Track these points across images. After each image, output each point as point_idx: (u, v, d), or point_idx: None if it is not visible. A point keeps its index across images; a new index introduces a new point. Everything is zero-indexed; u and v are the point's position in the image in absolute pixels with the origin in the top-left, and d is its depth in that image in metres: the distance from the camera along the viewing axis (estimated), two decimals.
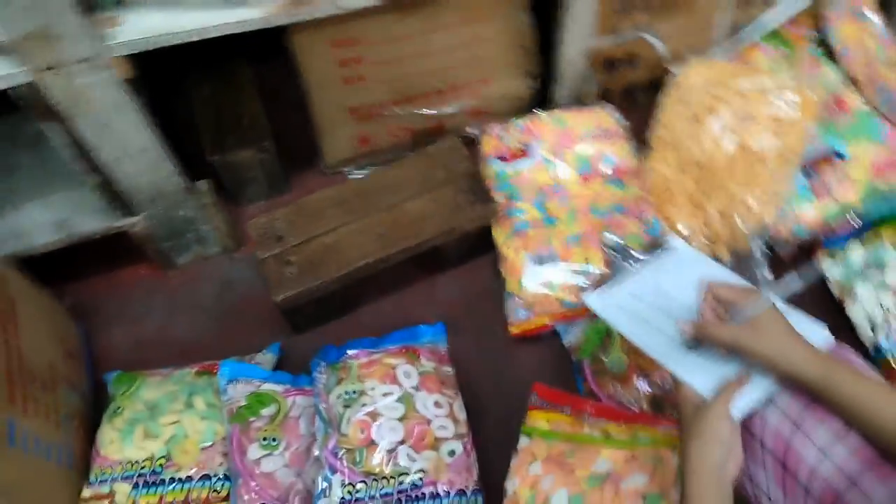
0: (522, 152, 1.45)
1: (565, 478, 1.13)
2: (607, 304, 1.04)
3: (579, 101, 1.56)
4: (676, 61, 1.56)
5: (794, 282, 0.89)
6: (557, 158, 1.45)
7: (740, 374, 0.87)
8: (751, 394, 0.86)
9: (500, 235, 1.41)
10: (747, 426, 0.89)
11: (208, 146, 1.45)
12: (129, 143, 1.17)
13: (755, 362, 0.87)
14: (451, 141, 1.42)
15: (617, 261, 1.10)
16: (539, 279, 1.35)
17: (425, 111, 1.51)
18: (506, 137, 1.48)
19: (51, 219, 1.32)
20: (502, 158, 1.46)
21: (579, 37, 1.41)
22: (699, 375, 0.90)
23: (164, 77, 1.42)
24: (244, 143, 1.46)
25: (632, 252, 1.11)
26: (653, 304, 1.02)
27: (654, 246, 1.10)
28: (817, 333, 0.94)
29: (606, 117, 1.50)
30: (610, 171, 1.45)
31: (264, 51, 1.58)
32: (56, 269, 1.38)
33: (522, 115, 1.52)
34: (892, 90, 1.46)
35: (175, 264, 1.48)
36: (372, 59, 1.37)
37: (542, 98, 1.60)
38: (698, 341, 0.93)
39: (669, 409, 1.26)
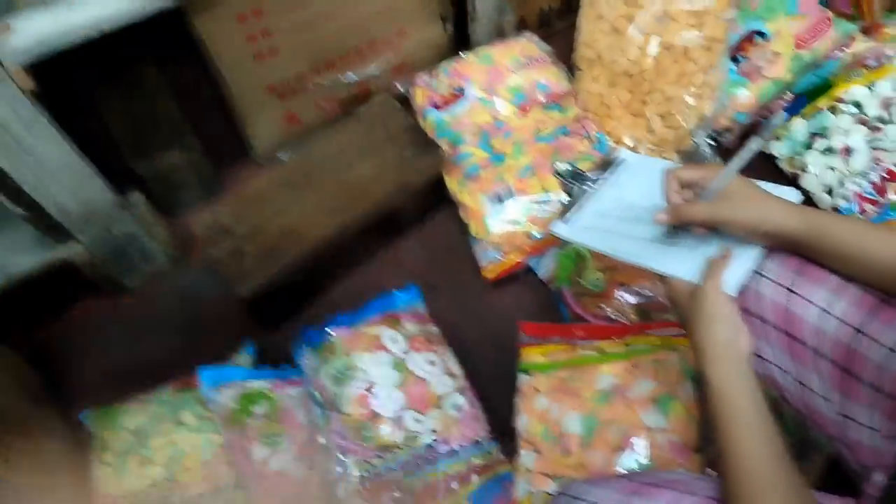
0: (455, 96, 1.42)
1: (573, 402, 1.13)
2: (575, 229, 1.02)
3: (498, 35, 1.54)
4: None
5: (750, 149, 0.88)
6: (492, 95, 1.43)
7: (723, 250, 0.86)
8: (738, 266, 0.85)
9: (452, 183, 1.38)
10: (743, 305, 0.88)
11: (130, 156, 1.36)
12: (49, 161, 1.08)
13: (736, 233, 0.85)
14: (382, 97, 1.38)
15: (573, 186, 1.09)
16: (502, 217, 1.33)
17: (348, 76, 1.46)
18: (435, 84, 1.45)
19: None
20: (436, 106, 1.43)
21: None
22: (682, 264, 0.88)
23: (70, 93, 1.33)
24: (167, 146, 1.38)
25: (585, 174, 1.10)
26: (620, 216, 1.01)
27: (606, 163, 1.10)
28: (787, 193, 0.94)
29: (529, 45, 1.48)
30: (545, 98, 1.43)
31: (171, 51, 1.50)
32: (4, 320, 1.29)
33: (446, 60, 1.49)
34: None
35: (126, 288, 1.40)
36: (281, 29, 1.31)
37: (460, 40, 1.57)
38: (676, 230, 0.92)
39: (656, 314, 1.27)
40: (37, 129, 1.04)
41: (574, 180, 1.09)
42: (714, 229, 0.87)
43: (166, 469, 1.10)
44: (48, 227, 1.19)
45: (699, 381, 1.09)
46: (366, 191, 1.28)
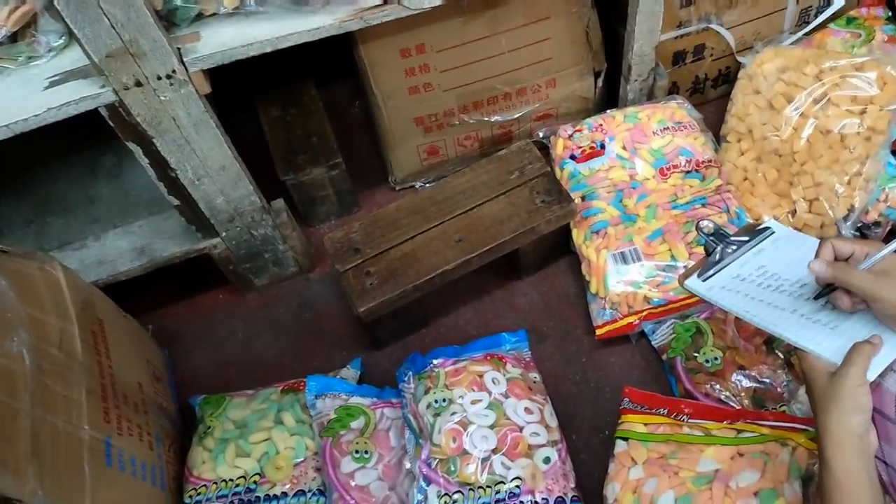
0: (595, 151, 1.43)
1: (669, 480, 1.08)
2: (711, 286, 1.00)
3: (648, 96, 1.53)
4: (746, 51, 1.53)
5: None
6: (633, 155, 1.42)
7: (874, 338, 0.81)
8: (883, 355, 0.81)
9: (579, 237, 1.38)
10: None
11: (280, 166, 1.46)
12: (210, 160, 1.18)
13: (886, 312, 0.81)
14: (522, 143, 1.40)
15: (715, 245, 1.08)
16: (623, 278, 1.31)
17: (493, 118, 1.50)
18: (577, 137, 1.46)
19: (132, 245, 1.34)
20: (575, 158, 1.43)
21: (646, 31, 1.38)
22: (823, 341, 0.85)
23: (234, 99, 1.44)
24: (315, 162, 1.47)
25: (730, 236, 1.08)
26: (760, 284, 0.98)
27: (751, 229, 1.08)
28: None
29: (678, 110, 1.46)
30: (687, 164, 1.41)
31: (330, 72, 1.61)
32: (140, 296, 1.40)
33: (590, 115, 1.50)
34: None
35: (254, 286, 1.49)
36: (439, 67, 1.37)
37: (609, 97, 1.58)
38: (820, 298, 0.88)
39: (771, 404, 1.20)
40: (203, 130, 1.13)
41: (717, 240, 1.08)
42: (860, 304, 0.83)
43: (258, 463, 1.14)
44: (196, 220, 1.28)
45: (807, 482, 1.03)
46: (491, 229, 1.30)
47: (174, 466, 1.19)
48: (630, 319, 1.31)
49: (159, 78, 1.03)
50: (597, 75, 1.51)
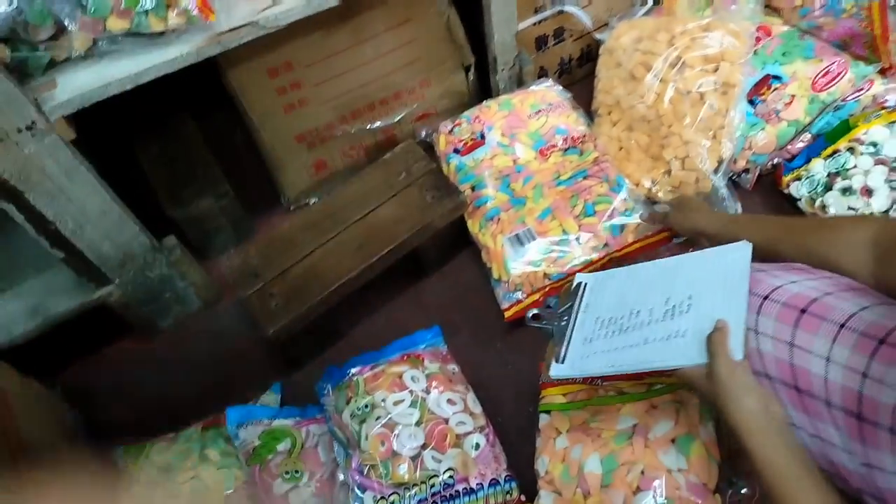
0: (476, 142, 1.47)
1: (593, 442, 1.12)
2: (573, 364, 1.05)
3: (518, 83, 1.59)
4: (603, 28, 1.60)
5: None
6: (512, 140, 1.47)
7: (718, 324, 0.87)
8: (734, 331, 0.87)
9: (474, 226, 1.41)
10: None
11: (166, 202, 1.43)
12: (88, 207, 1.15)
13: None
14: (405, 144, 1.43)
15: (551, 326, 1.14)
16: (522, 259, 1.35)
17: (374, 124, 1.52)
18: (457, 131, 1.50)
19: (24, 307, 1.29)
20: (458, 152, 1.47)
21: (504, 21, 1.44)
22: (685, 352, 0.90)
23: (109, 141, 1.41)
24: (202, 193, 1.45)
25: (556, 311, 1.15)
26: (606, 334, 1.04)
27: (569, 293, 1.15)
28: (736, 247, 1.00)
29: (548, 92, 1.52)
30: (564, 142, 1.46)
31: (207, 103, 1.59)
32: (42, 358, 1.34)
33: (467, 109, 1.54)
34: (810, 6, 1.51)
35: (159, 329, 1.45)
36: (310, 82, 1.38)
37: (482, 89, 1.62)
38: None
39: None
40: (77, 177, 1.10)
41: (549, 321, 1.14)
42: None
43: (190, 503, 1.12)
44: (86, 269, 1.25)
45: (719, 421, 1.09)
46: (389, 232, 1.32)
47: None
48: (534, 297, 1.36)
49: (19, 131, 1.00)
50: (466, 69, 1.55)
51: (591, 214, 1.36)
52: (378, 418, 1.14)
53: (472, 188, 1.44)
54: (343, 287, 1.27)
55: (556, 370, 1.05)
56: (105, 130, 1.50)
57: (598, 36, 1.59)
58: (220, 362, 1.43)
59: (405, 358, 1.25)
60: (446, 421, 1.16)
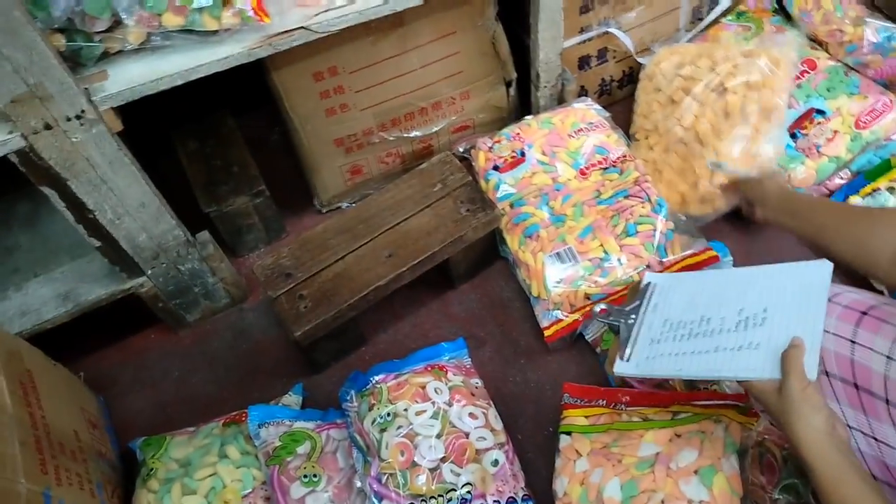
0: (516, 159, 1.47)
1: (614, 468, 1.12)
2: (639, 364, 1.04)
3: (559, 101, 1.59)
4: (645, 52, 1.60)
5: None
6: (551, 158, 1.46)
7: (794, 341, 0.87)
8: (809, 350, 0.86)
9: (514, 243, 1.41)
10: None
11: (202, 199, 1.45)
12: (128, 198, 1.16)
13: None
14: (442, 156, 1.43)
15: (618, 324, 1.13)
16: (562, 277, 1.34)
17: (412, 133, 1.53)
18: (497, 148, 1.50)
19: (56, 292, 1.31)
20: (498, 169, 1.47)
21: (550, 39, 1.44)
22: (757, 364, 0.90)
23: (150, 135, 1.42)
24: (237, 191, 1.46)
25: (624, 309, 1.14)
26: (674, 337, 1.03)
27: (637, 292, 1.15)
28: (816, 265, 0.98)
29: (588, 111, 1.52)
30: (604, 161, 1.46)
31: (247, 101, 1.60)
32: (70, 343, 1.36)
33: (506, 123, 1.54)
34: (857, 43, 1.50)
35: (186, 322, 1.46)
36: (353, 87, 1.39)
37: (522, 105, 1.62)
38: None
39: (702, 384, 1.25)
40: (120, 168, 1.12)
41: (616, 318, 1.13)
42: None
43: (206, 500, 1.12)
44: (119, 260, 1.26)
45: (743, 455, 1.08)
46: (420, 242, 1.32)
47: None
48: (574, 317, 1.35)
49: (69, 119, 1.01)
50: (508, 85, 1.56)
51: (632, 234, 1.36)
52: (399, 427, 1.14)
53: (512, 205, 1.43)
54: (372, 294, 1.28)
55: (620, 367, 1.05)
56: (145, 122, 1.52)
57: (640, 59, 1.59)
58: (244, 360, 1.44)
59: (429, 368, 1.25)
60: (467, 435, 1.15)
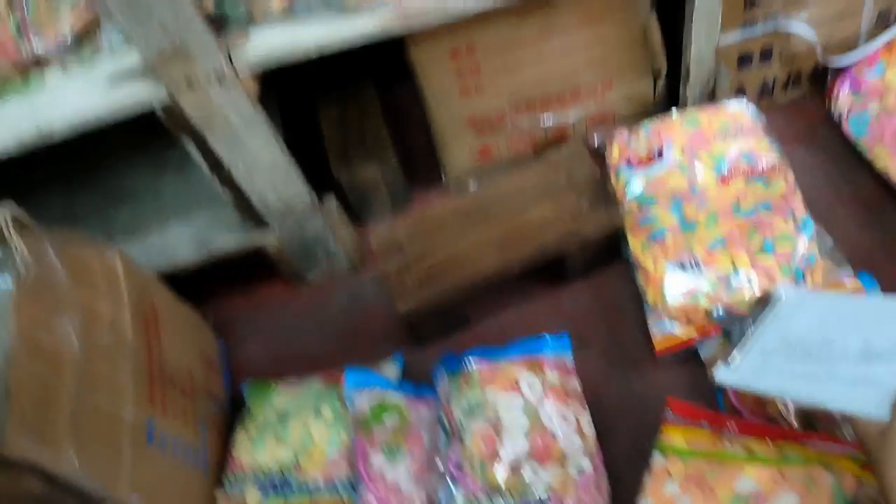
0: (653, 157, 1.39)
1: (705, 498, 1.04)
2: (742, 373, 0.99)
3: (711, 99, 1.48)
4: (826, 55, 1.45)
5: None
6: (691, 160, 1.37)
7: None
8: None
9: (636, 245, 1.34)
10: None
11: (335, 163, 1.50)
12: (260, 158, 1.22)
13: None
14: (574, 146, 1.39)
15: (733, 328, 1.06)
16: (682, 289, 1.26)
17: (547, 120, 1.49)
18: (633, 143, 1.42)
19: (192, 236, 1.41)
20: (631, 164, 1.40)
21: (705, 33, 1.34)
22: (868, 401, 0.82)
23: (296, 97, 1.49)
24: (369, 160, 1.49)
25: (744, 315, 1.06)
26: (788, 355, 0.97)
27: (762, 301, 1.06)
28: None
29: (741, 113, 1.40)
30: (750, 170, 1.34)
31: (389, 74, 1.64)
32: (201, 288, 1.46)
33: (649, 118, 1.46)
34: None
35: (305, 280, 1.53)
36: (490, 68, 1.37)
37: (669, 99, 1.53)
38: None
39: (821, 425, 1.14)
40: (254, 130, 1.17)
41: (733, 322, 1.06)
42: None
43: (294, 453, 1.18)
44: (249, 214, 1.33)
45: None
46: (536, 234, 1.29)
47: (217, 451, 1.24)
48: (690, 332, 1.27)
49: (210, 79, 1.07)
50: (656, 77, 1.47)
51: (768, 252, 1.25)
52: (486, 416, 1.13)
53: (640, 205, 1.36)
54: (479, 280, 1.27)
55: (722, 374, 1.00)
56: (296, 86, 1.59)
57: (825, 62, 1.44)
58: (353, 324, 1.49)
59: (526, 361, 1.22)
60: (555, 436, 1.12)
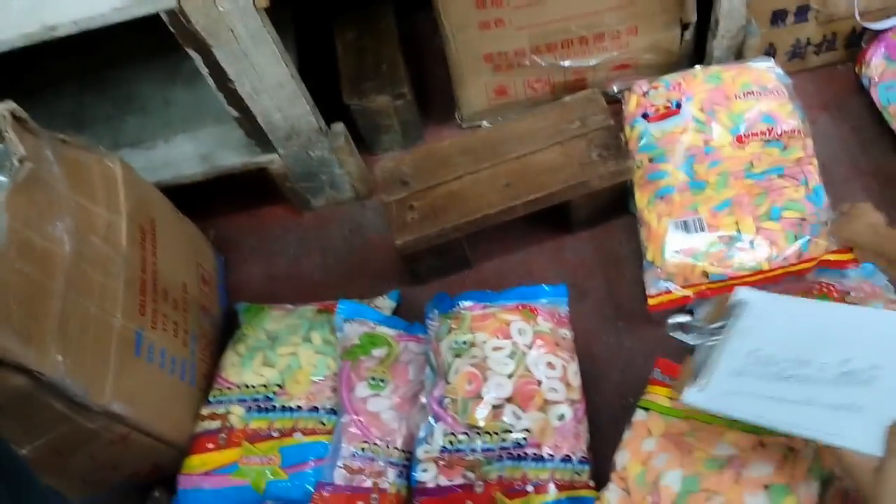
0: (670, 111, 1.34)
1: (682, 457, 1.05)
2: (712, 396, 0.90)
3: (737, 55, 1.43)
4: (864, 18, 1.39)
5: None
6: (709, 118, 1.33)
7: None
8: None
9: (642, 199, 1.31)
10: None
11: (346, 90, 1.47)
12: (267, 76, 1.20)
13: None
14: (590, 92, 1.35)
15: (697, 342, 0.97)
16: (683, 247, 1.24)
17: (566, 62, 1.44)
18: (652, 94, 1.38)
19: (197, 151, 1.40)
20: (646, 117, 1.36)
21: None
22: (855, 431, 0.78)
23: (313, 15, 1.45)
24: (381, 90, 1.46)
25: (705, 326, 0.97)
26: (761, 374, 0.89)
27: (723, 308, 0.97)
28: None
29: (767, 73, 1.35)
30: (769, 132, 1.30)
31: (410, 2, 1.59)
32: (205, 204, 1.46)
33: (673, 70, 1.41)
34: None
35: (310, 206, 1.52)
36: (511, 2, 1.32)
37: (695, 53, 1.48)
38: None
39: None
40: (261, 46, 1.15)
41: (695, 334, 0.97)
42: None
43: (280, 376, 1.19)
44: (255, 133, 1.32)
45: (826, 484, 0.97)
46: (541, 178, 1.26)
47: (207, 365, 1.26)
48: (685, 293, 1.25)
49: None
50: (684, 27, 1.41)
51: (775, 219, 1.22)
52: (473, 357, 1.14)
53: (651, 159, 1.33)
54: (480, 220, 1.25)
55: (690, 397, 0.92)
56: (313, 4, 1.54)
57: (871, 25, 1.37)
58: (354, 254, 1.49)
59: (520, 307, 1.22)
60: (539, 383, 1.13)
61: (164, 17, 1.07)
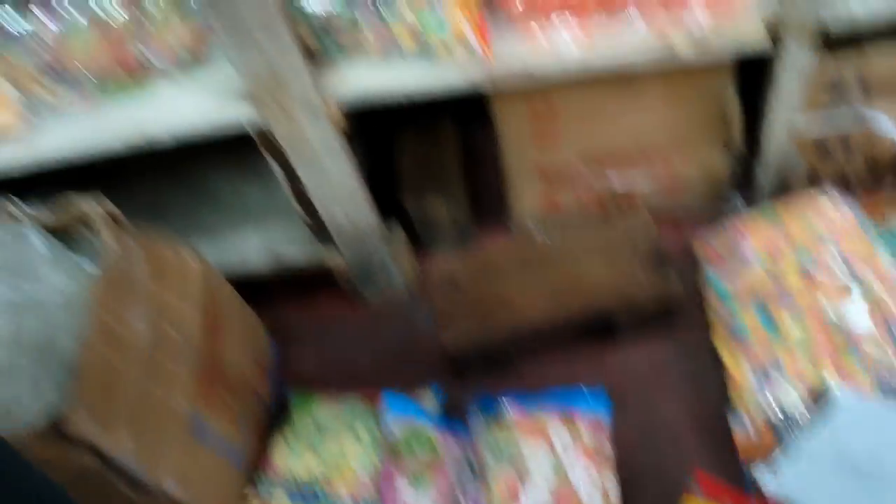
0: (733, 256, 1.38)
1: None
2: (789, 488, 0.93)
3: (784, 184, 1.48)
4: None
5: None
6: (775, 260, 1.33)
7: None
8: None
9: (717, 339, 1.32)
10: None
11: (405, 192, 1.56)
12: (338, 186, 1.29)
13: None
14: (642, 216, 1.41)
15: (781, 431, 0.98)
16: (768, 396, 1.17)
17: (615, 179, 1.51)
18: (714, 241, 1.43)
19: (265, 245, 1.49)
20: (711, 263, 1.41)
21: (784, 118, 1.34)
22: None
23: (376, 124, 1.56)
24: (438, 194, 1.55)
25: (793, 416, 0.97)
26: (843, 480, 0.91)
27: (817, 398, 0.99)
28: None
29: (827, 206, 1.37)
30: (841, 270, 1.28)
31: (469, 112, 1.69)
32: (262, 290, 1.53)
33: (721, 194, 1.47)
34: None
35: (364, 299, 1.59)
36: (565, 123, 1.40)
37: (742, 178, 1.54)
38: None
39: None
40: (335, 159, 1.25)
41: (781, 424, 0.99)
42: None
43: (327, 468, 1.23)
44: (319, 232, 1.40)
45: None
46: (589, 291, 1.32)
47: (256, 451, 1.30)
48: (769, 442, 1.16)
49: (301, 108, 1.15)
50: (731, 156, 1.48)
51: (853, 356, 1.16)
52: (514, 463, 1.16)
53: (721, 301, 1.34)
54: (527, 327, 1.30)
55: (768, 482, 0.96)
56: (377, 116, 1.65)
57: None
58: (402, 346, 1.54)
59: (562, 415, 1.24)
60: (579, 497, 1.14)
61: (253, 134, 1.17)
